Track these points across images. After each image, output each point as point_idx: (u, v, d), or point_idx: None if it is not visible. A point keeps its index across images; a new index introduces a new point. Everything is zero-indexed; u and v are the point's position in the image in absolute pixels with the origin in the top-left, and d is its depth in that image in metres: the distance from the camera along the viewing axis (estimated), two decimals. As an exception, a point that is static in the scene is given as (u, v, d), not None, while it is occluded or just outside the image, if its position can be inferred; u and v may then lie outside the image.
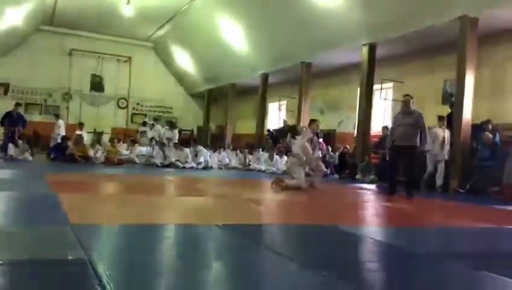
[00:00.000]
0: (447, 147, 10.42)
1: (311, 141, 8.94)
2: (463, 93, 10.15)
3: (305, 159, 8.54)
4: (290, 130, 9.99)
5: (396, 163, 8.51)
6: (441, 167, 10.42)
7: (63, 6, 19.55)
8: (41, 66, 22.52)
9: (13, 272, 2.46)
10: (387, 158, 9.10)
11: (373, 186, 10.77)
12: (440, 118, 10.61)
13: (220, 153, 15.79)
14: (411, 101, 8.24)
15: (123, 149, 14.95)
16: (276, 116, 21.36)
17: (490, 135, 10.04)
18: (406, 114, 8.22)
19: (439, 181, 10.37)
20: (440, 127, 10.54)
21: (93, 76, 24.31)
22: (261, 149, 15.93)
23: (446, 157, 10.38)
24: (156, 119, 19.48)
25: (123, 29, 22.44)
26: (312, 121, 9.49)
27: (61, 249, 2.93)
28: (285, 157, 15.07)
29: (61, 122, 16.82)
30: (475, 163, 10.07)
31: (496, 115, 10.71)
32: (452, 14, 10.27)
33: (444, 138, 10.43)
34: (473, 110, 10.23)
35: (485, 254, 3.76)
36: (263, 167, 14.69)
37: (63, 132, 16.07)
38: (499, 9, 9.76)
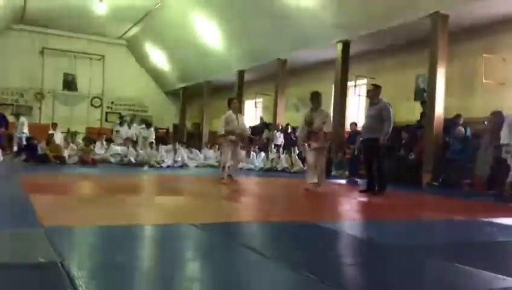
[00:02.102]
0: None
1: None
2: (435, 88, 10.33)
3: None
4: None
5: (365, 157, 8.07)
6: None
7: (33, 4, 19.14)
8: (12, 65, 22.00)
9: (-17, 276, 2.41)
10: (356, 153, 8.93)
11: (347, 182, 10.88)
12: None
13: (191, 152, 15.62)
14: (375, 90, 7.76)
15: (98, 148, 14.77)
16: (252, 113, 21.36)
17: (463, 129, 10.26)
18: (371, 105, 7.82)
19: None
20: None
21: (66, 75, 23.89)
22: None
23: None
24: (122, 117, 19.10)
25: (96, 28, 22.11)
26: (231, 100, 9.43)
27: (33, 252, 2.88)
28: (262, 154, 15.13)
29: (23, 120, 16.44)
30: (447, 156, 10.27)
31: (467, 110, 10.94)
32: (423, 11, 10.43)
33: None
34: (444, 105, 10.42)
35: (456, 246, 3.84)
36: (240, 164, 14.67)
37: (26, 131, 15.76)
38: (469, 6, 9.96)
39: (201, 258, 3.15)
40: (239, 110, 9.48)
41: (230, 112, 9.14)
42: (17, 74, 22.33)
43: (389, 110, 7.65)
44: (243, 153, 15.25)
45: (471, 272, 2.92)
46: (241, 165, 14.55)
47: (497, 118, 8.91)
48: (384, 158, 8.05)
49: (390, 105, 7.94)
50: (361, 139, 8.10)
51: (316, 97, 7.94)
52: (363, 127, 7.94)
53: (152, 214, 4.99)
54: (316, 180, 7.75)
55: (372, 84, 8.14)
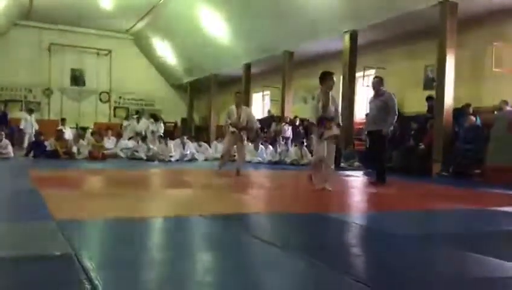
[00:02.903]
0: None
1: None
2: (444, 78, 10.24)
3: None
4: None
5: (372, 149, 8.03)
6: None
7: (39, 0, 19.20)
8: (20, 62, 22.11)
9: (-2, 269, 2.44)
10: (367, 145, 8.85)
11: (357, 173, 10.83)
12: None
13: (200, 146, 15.65)
14: (379, 82, 7.78)
15: (108, 143, 14.85)
16: (260, 106, 21.35)
17: (473, 118, 10.18)
18: (375, 97, 7.82)
19: None
20: None
21: (74, 70, 23.98)
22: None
23: None
24: (137, 112, 19.36)
25: (102, 22, 22.14)
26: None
27: (47, 245, 2.91)
28: (270, 147, 15.11)
29: (33, 117, 16.69)
30: (457, 146, 10.21)
31: (476, 99, 10.86)
32: None
33: None
34: (453, 95, 10.34)
35: (467, 235, 3.83)
36: (248, 157, 14.66)
37: (36, 127, 15.99)
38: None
39: (212, 248, 3.15)
40: (243, 104, 9.53)
41: (234, 105, 9.29)
42: (25, 70, 22.44)
43: (395, 101, 7.67)
44: (251, 145, 15.26)
45: (482, 259, 2.91)
46: (249, 158, 14.59)
47: None
48: (386, 149, 8.05)
49: (395, 95, 7.93)
50: (366, 131, 8.06)
51: (330, 77, 6.50)
52: (368, 118, 7.99)
53: (162, 207, 5.01)
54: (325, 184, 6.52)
55: (375, 77, 8.18)
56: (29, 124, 16.13)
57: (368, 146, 8.30)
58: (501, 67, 10.50)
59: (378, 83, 7.84)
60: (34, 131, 15.62)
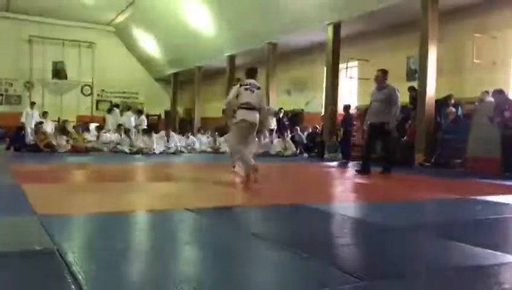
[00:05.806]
0: None
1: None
2: (426, 69, 10.34)
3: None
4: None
5: (368, 140, 8.32)
6: None
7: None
8: (0, 55, 21.71)
9: (-21, 265, 2.40)
10: (364, 135, 8.98)
11: (339, 164, 10.91)
12: None
13: (188, 138, 15.65)
14: (383, 75, 8.00)
15: (91, 135, 14.70)
16: (244, 98, 21.26)
17: (453, 109, 10.31)
18: (379, 89, 8.03)
19: None
20: None
21: (55, 63, 23.61)
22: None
23: None
24: (117, 105, 19.14)
25: (84, 14, 21.83)
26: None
27: (29, 240, 2.88)
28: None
29: (35, 110, 16.37)
30: (439, 137, 10.33)
31: (458, 90, 10.98)
32: (414, -9, 10.39)
33: None
34: (435, 86, 10.44)
35: (448, 224, 3.89)
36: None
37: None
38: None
39: (197, 242, 3.15)
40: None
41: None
42: (6, 63, 22.05)
43: (398, 95, 7.90)
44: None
45: (463, 248, 2.96)
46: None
47: (501, 95, 9.05)
48: (390, 140, 8.26)
49: (398, 90, 8.06)
50: (368, 122, 8.19)
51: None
52: (370, 111, 8.15)
53: (146, 200, 4.98)
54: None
55: (380, 70, 8.27)
56: (30, 117, 15.72)
57: (367, 137, 8.42)
58: (482, 59, 10.63)
59: (382, 76, 7.99)
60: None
